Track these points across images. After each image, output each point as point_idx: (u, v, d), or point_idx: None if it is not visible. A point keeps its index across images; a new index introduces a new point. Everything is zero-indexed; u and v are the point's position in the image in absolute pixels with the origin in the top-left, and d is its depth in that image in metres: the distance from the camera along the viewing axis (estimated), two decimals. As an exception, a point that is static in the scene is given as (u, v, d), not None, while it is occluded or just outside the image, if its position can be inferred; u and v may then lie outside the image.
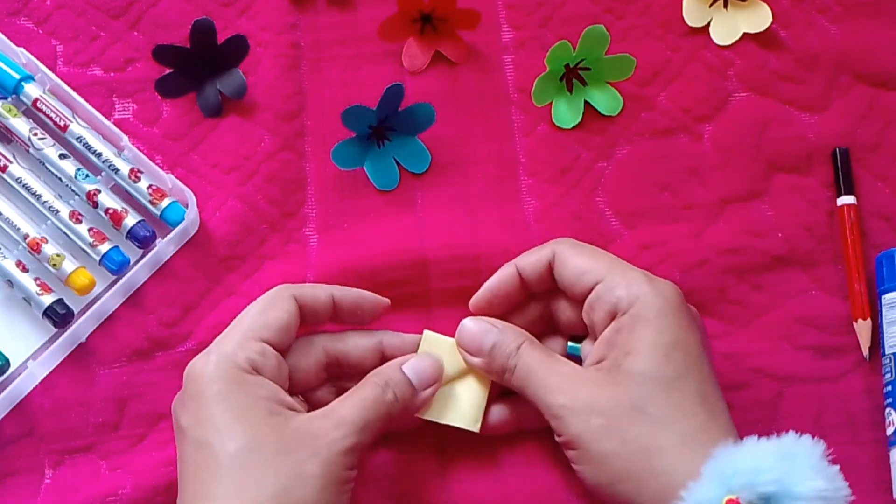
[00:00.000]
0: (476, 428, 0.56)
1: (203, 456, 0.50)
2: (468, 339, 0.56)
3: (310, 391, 0.56)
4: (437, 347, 0.56)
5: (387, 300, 0.58)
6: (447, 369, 0.56)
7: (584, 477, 0.52)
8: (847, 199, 0.63)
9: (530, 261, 0.56)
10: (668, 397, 0.51)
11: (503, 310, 0.57)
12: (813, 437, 0.48)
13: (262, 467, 0.49)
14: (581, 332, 0.57)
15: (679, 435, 0.50)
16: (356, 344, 0.56)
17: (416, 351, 0.56)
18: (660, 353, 0.51)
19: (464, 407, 0.56)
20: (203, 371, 0.51)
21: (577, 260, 0.55)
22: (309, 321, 0.56)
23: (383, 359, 0.56)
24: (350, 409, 0.51)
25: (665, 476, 0.49)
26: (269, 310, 0.54)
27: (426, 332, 0.57)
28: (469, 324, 0.56)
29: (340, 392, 0.54)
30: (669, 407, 0.50)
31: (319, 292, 0.56)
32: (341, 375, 0.56)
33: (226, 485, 0.48)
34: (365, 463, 0.57)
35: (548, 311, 0.58)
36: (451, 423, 0.56)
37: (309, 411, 0.53)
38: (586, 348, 0.57)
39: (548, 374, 0.53)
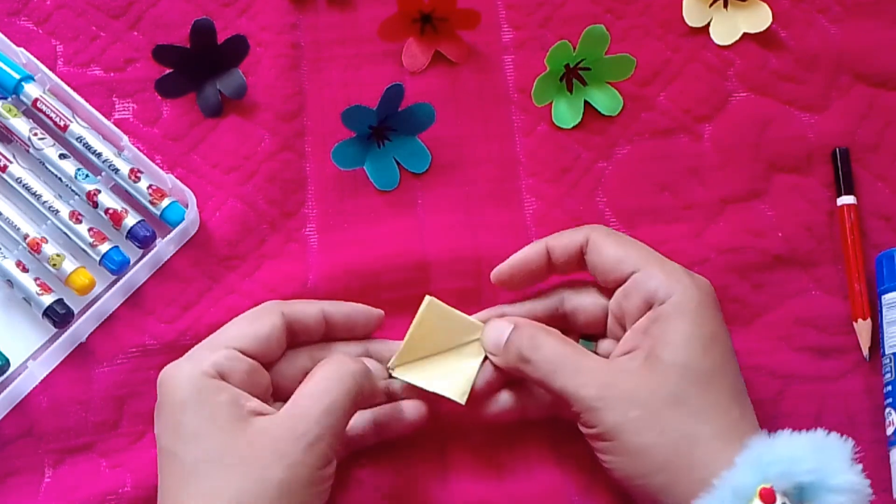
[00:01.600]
0: (462, 400, 0.55)
1: (170, 464, 0.50)
2: (487, 339, 0.56)
3: None
4: (437, 315, 0.56)
5: (381, 312, 0.58)
6: (443, 340, 0.56)
7: (614, 468, 0.51)
8: (847, 199, 0.63)
9: (562, 242, 0.56)
10: (707, 390, 0.51)
11: (524, 285, 0.57)
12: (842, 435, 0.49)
13: (224, 475, 0.48)
14: (594, 332, 0.57)
15: (717, 428, 0.50)
16: (341, 350, 0.56)
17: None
18: (699, 346, 0.51)
19: (453, 378, 0.56)
20: (170, 379, 0.52)
21: (613, 248, 0.54)
22: (301, 338, 0.56)
23: None
24: (309, 397, 0.51)
25: (701, 468, 0.49)
26: (251, 322, 0.54)
27: (428, 297, 0.56)
28: (489, 324, 0.56)
29: None
30: (708, 399, 0.50)
31: (309, 308, 0.56)
32: None
33: (190, 493, 0.49)
34: (364, 464, 0.57)
35: (560, 311, 0.57)
36: (438, 392, 0.55)
37: None
38: (605, 346, 0.57)
39: (576, 365, 0.52)
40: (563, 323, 0.57)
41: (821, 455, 0.47)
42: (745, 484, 0.46)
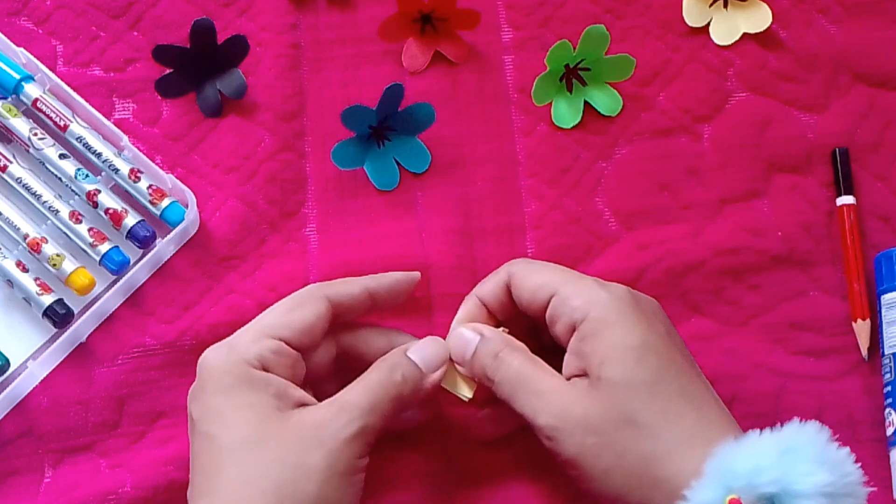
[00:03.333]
0: (467, 396, 0.55)
1: (208, 448, 0.50)
2: (454, 347, 0.55)
3: (318, 383, 0.55)
4: None
5: (417, 273, 0.58)
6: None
7: (585, 491, 0.51)
8: (846, 200, 0.63)
9: (488, 288, 0.56)
10: (653, 402, 0.50)
11: None
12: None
13: (264, 460, 0.48)
14: None
15: (673, 440, 0.49)
16: (368, 338, 0.56)
17: None
18: (632, 357, 0.50)
19: (457, 375, 0.55)
20: (214, 363, 0.51)
21: (528, 278, 0.54)
22: (346, 318, 0.55)
23: None
24: (356, 393, 0.51)
25: (669, 482, 0.48)
26: (295, 309, 0.53)
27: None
28: (457, 331, 0.55)
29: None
30: (657, 412, 0.49)
31: (354, 288, 0.55)
32: (349, 369, 0.56)
33: (228, 477, 0.48)
34: (370, 469, 0.57)
35: (533, 331, 0.57)
36: (445, 387, 0.55)
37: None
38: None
39: (535, 389, 0.52)
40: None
41: (785, 459, 0.46)
42: (713, 497, 0.45)
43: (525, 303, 0.54)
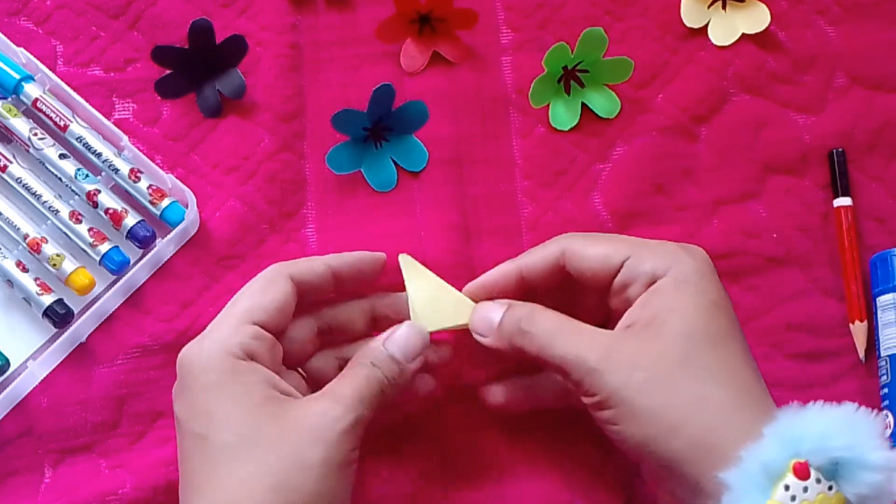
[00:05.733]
0: (467, 319, 0.55)
1: (200, 448, 0.49)
2: (478, 321, 0.54)
3: (304, 361, 0.55)
4: (421, 275, 0.56)
5: (383, 254, 0.57)
6: (428, 288, 0.56)
7: (624, 437, 0.49)
8: (843, 201, 0.63)
9: (534, 260, 0.55)
10: (716, 353, 0.49)
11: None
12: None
13: (260, 458, 0.48)
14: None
15: (730, 391, 0.48)
16: (347, 309, 0.56)
17: (406, 303, 0.55)
18: (703, 313, 0.50)
19: (450, 308, 0.55)
20: (196, 359, 0.50)
21: (594, 248, 0.53)
22: (309, 298, 0.55)
23: (374, 321, 0.56)
24: (345, 386, 0.50)
25: (718, 431, 0.47)
26: (264, 291, 0.53)
27: (402, 256, 0.57)
28: (480, 306, 0.55)
29: (337, 363, 0.55)
30: (718, 362, 0.49)
31: (316, 265, 0.55)
32: (333, 342, 0.56)
33: (224, 477, 0.48)
34: (366, 468, 0.57)
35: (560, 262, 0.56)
36: (446, 326, 0.55)
37: (306, 381, 0.54)
38: None
39: (576, 330, 0.51)
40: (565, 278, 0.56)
41: (854, 430, 0.45)
42: (776, 458, 0.45)
43: (589, 273, 0.53)
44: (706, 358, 0.49)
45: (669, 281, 0.51)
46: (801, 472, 0.45)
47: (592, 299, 0.55)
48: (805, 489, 0.45)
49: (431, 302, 0.55)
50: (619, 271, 0.52)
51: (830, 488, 0.45)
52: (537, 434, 0.59)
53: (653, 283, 0.51)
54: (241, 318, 0.51)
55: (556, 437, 0.59)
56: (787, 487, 0.45)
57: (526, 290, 0.56)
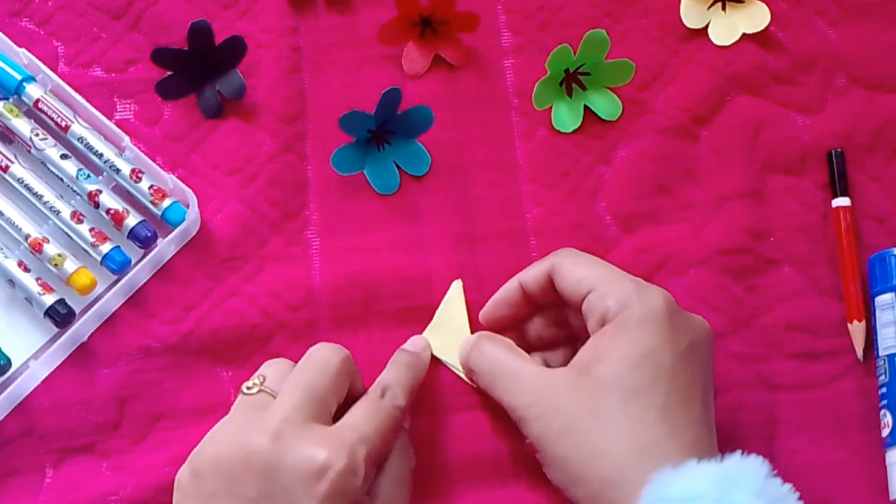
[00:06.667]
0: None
1: None
2: (459, 356, 0.59)
3: None
4: (460, 301, 0.61)
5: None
6: (453, 321, 0.60)
7: (549, 477, 0.52)
8: (842, 201, 0.63)
9: (532, 274, 0.57)
10: (628, 407, 0.50)
11: (511, 322, 0.59)
12: (761, 455, 0.48)
13: None
14: None
15: (632, 446, 0.49)
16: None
17: None
18: (627, 363, 0.51)
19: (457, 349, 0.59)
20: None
21: (573, 270, 0.55)
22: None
23: None
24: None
25: (612, 485, 0.49)
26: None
27: (456, 282, 0.61)
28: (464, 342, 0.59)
29: None
30: (628, 417, 0.50)
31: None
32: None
33: None
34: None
35: (563, 318, 0.58)
36: (443, 360, 0.59)
37: None
38: None
39: (514, 374, 0.54)
40: (570, 333, 0.58)
41: (722, 488, 0.46)
42: None
43: (566, 293, 0.55)
44: (617, 411, 0.50)
45: (611, 327, 0.52)
46: None
47: (580, 317, 0.56)
48: None
49: (447, 334, 0.60)
50: (585, 299, 0.54)
51: None
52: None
53: (604, 321, 0.52)
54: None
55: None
56: None
57: (530, 304, 0.58)
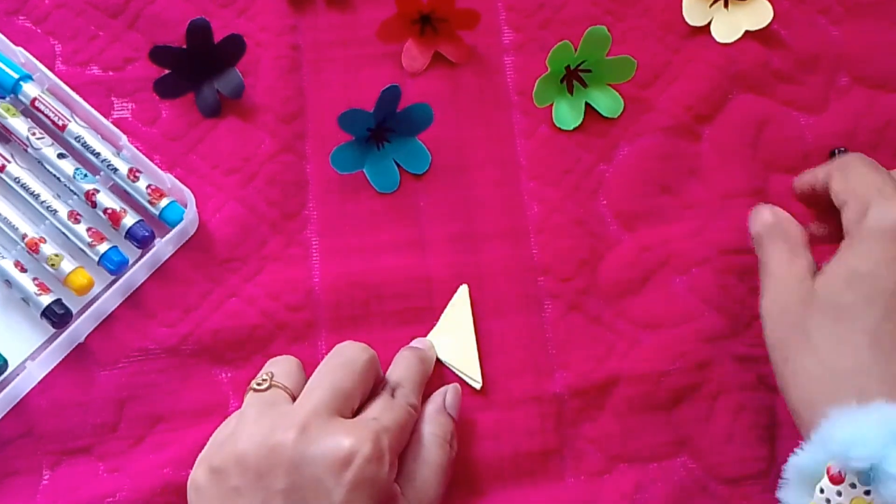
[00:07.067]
0: (478, 384, 0.59)
1: None
2: (750, 218, 0.56)
3: None
4: (461, 305, 0.61)
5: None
6: (457, 327, 0.60)
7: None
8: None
9: (812, 177, 0.55)
10: (836, 326, 0.49)
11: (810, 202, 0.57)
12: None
13: None
14: None
15: (831, 369, 0.48)
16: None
17: None
18: (844, 279, 0.49)
19: (474, 363, 0.59)
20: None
21: (837, 181, 0.53)
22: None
23: None
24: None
25: (804, 406, 0.48)
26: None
27: (463, 286, 0.61)
28: (759, 207, 0.56)
29: None
30: (833, 336, 0.48)
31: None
32: None
33: None
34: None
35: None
36: (459, 371, 0.59)
37: None
38: None
39: (769, 271, 0.53)
40: None
41: (884, 437, 0.44)
42: (813, 461, 0.45)
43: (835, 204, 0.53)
44: (823, 329, 0.49)
45: (845, 241, 0.51)
46: (834, 477, 0.45)
47: None
48: (839, 493, 0.45)
49: (452, 338, 0.60)
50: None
51: (868, 493, 0.45)
52: (539, 445, 0.59)
53: (847, 229, 0.51)
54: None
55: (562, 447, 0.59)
56: (822, 490, 0.45)
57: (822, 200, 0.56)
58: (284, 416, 0.50)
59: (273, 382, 0.53)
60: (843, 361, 0.48)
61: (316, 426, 0.49)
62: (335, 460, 0.48)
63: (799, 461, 0.46)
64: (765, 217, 0.55)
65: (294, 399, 0.52)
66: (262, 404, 0.52)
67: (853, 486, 0.45)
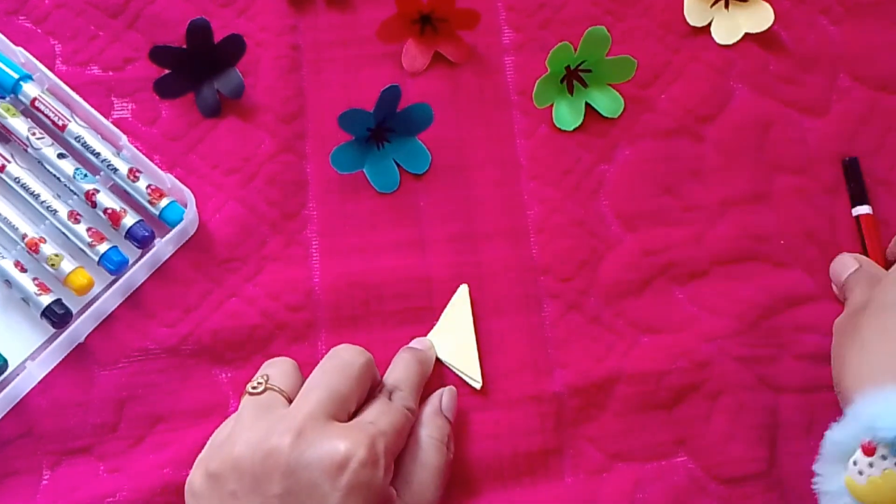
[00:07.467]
0: (478, 384, 0.59)
1: None
2: (833, 268, 0.62)
3: None
4: (461, 305, 0.61)
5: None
6: (457, 327, 0.60)
7: None
8: (862, 210, 0.63)
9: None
10: (879, 320, 0.52)
11: None
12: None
13: None
14: None
15: (868, 363, 0.51)
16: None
17: None
18: (891, 282, 0.53)
19: (474, 363, 0.59)
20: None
21: None
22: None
23: None
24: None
25: (845, 395, 0.51)
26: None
27: (463, 286, 0.61)
28: (842, 256, 0.61)
29: None
30: (876, 328, 0.52)
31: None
32: None
33: None
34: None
35: None
36: (459, 371, 0.59)
37: None
38: None
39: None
40: None
41: None
42: (848, 435, 0.48)
43: None
44: (867, 324, 0.53)
45: None
46: (867, 448, 0.47)
47: None
48: (871, 465, 0.47)
49: (451, 338, 0.60)
50: None
51: None
52: (543, 443, 0.59)
53: None
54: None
55: (563, 448, 0.59)
56: (854, 463, 0.48)
57: None
58: (280, 421, 0.50)
59: (269, 385, 0.53)
60: (884, 347, 0.51)
61: (311, 430, 0.49)
62: (331, 465, 0.48)
63: (833, 435, 0.49)
64: (849, 265, 0.60)
65: (290, 402, 0.52)
66: (258, 408, 0.52)
67: (884, 457, 0.47)
